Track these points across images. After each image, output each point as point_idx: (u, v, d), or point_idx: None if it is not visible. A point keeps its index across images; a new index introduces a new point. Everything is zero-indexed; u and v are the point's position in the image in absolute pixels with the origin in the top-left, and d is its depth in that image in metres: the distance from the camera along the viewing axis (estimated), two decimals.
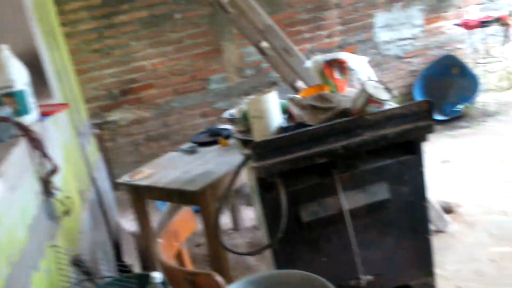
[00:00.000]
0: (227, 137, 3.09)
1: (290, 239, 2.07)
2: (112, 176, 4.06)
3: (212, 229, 2.53)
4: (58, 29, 3.56)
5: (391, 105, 2.10)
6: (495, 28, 5.47)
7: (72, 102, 3.13)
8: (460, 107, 5.18)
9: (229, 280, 2.26)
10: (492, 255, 2.84)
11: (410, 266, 2.28)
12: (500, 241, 2.95)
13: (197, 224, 2.18)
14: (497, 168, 3.92)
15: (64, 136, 2.58)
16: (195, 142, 3.21)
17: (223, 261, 2.71)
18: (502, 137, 4.56)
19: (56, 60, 2.95)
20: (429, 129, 2.04)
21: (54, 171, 1.90)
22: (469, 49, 5.52)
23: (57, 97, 2.62)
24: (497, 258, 2.80)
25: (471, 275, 2.70)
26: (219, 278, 1.46)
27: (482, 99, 5.34)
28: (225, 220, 3.66)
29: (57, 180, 1.95)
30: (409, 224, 2.21)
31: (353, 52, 2.87)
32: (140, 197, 2.93)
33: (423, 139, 2.08)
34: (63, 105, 2.58)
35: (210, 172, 2.70)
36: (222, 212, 2.14)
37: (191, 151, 3.10)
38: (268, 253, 2.19)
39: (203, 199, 2.57)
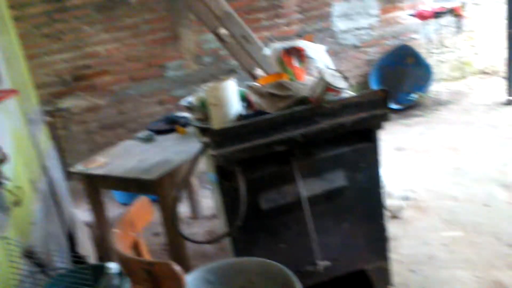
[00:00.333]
0: (185, 125, 3.05)
1: (249, 227, 2.07)
2: (65, 165, 3.94)
3: (170, 218, 2.50)
4: (7, 11, 3.40)
5: (348, 93, 2.12)
6: (448, 19, 5.63)
7: (22, 89, 3.00)
8: (414, 96, 5.32)
9: (188, 269, 2.25)
10: (444, 239, 2.94)
11: (365, 251, 2.32)
12: (451, 225, 3.06)
13: (155, 213, 2.14)
14: (449, 155, 4.05)
15: (14, 124, 2.48)
16: (152, 130, 3.15)
17: (181, 250, 2.69)
18: (453, 125, 4.72)
19: (5, 44, 2.82)
20: (385, 117, 2.08)
21: (2, 160, 1.82)
22: (423, 39, 5.66)
23: (6, 83, 2.51)
24: (448, 242, 2.90)
25: (424, 259, 2.78)
26: (176, 267, 1.44)
27: (435, 89, 5.50)
28: (184, 208, 3.63)
29: (6, 169, 1.87)
30: (365, 210, 2.25)
31: (311, 41, 2.87)
32: (95, 186, 2.85)
33: (379, 127, 2.11)
34: (12, 92, 2.47)
35: (168, 161, 2.66)
36: (180, 200, 2.11)
37: (148, 139, 3.04)
38: (227, 241, 2.19)
39: (161, 188, 2.53)
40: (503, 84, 5.15)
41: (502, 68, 5.21)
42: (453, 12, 5.66)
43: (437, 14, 5.67)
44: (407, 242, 2.94)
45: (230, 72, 4.83)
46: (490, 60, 5.80)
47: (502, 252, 2.73)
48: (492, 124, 4.61)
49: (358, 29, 5.41)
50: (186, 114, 3.03)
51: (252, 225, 2.08)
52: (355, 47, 5.43)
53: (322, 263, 2.18)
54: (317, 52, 2.55)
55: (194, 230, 3.47)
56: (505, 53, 5.08)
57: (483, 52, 5.89)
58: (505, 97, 5.10)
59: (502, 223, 3.00)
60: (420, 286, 2.56)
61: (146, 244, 1.96)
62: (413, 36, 5.61)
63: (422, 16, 5.64)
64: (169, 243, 2.72)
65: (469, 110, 5.09)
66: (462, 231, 2.99)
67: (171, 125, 3.14)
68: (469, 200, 3.32)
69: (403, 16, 5.55)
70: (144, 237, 1.95)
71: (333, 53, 5.09)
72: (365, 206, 2.25)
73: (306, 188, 2.07)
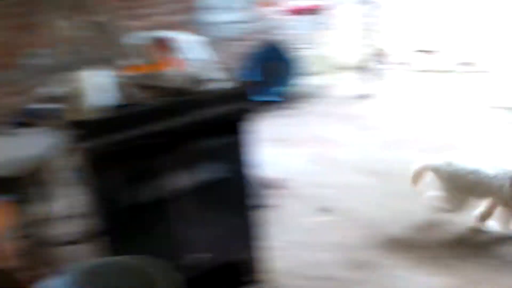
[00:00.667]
0: (47, 117, 2.84)
1: (122, 223, 1.99)
2: None
3: (30, 219, 2.31)
4: None
5: (219, 86, 2.13)
6: (316, 16, 5.94)
7: None
8: (285, 89, 5.53)
9: (53, 273, 2.10)
10: (313, 224, 3.11)
11: (240, 241, 2.36)
12: (321, 211, 3.24)
13: (14, 214, 1.96)
14: (317, 145, 4.29)
15: None
16: (10, 123, 2.89)
17: (44, 253, 2.50)
18: (320, 117, 5.01)
19: None
20: (253, 110, 2.12)
21: None
22: (293, 34, 5.90)
23: None
24: (317, 227, 3.07)
25: (294, 244, 2.91)
26: (17, 274, 1.33)
27: (304, 82, 5.77)
28: (51, 207, 3.37)
29: None
30: (238, 201, 2.29)
31: (185, 32, 2.84)
32: None
33: (248, 119, 2.15)
34: None
35: (27, 156, 2.45)
36: (44, 199, 1.96)
37: (5, 133, 2.78)
38: (98, 240, 2.08)
39: (18, 186, 2.31)
40: (364, 78, 5.59)
41: (362, 63, 5.64)
42: (321, 9, 5.99)
43: (306, 11, 5.95)
44: (279, 229, 3.04)
45: (98, 61, 4.59)
46: (353, 55, 6.23)
47: (362, 233, 2.97)
48: (354, 115, 4.98)
49: (232, 22, 5.47)
50: (49, 106, 2.82)
51: (124, 221, 2.01)
52: (229, 40, 5.48)
53: (196, 256, 2.18)
54: (190, 43, 2.53)
55: (63, 230, 3.25)
56: (364, 50, 5.52)
57: (347, 48, 6.30)
58: (364, 90, 5.54)
59: (362, 207, 3.25)
60: (289, 270, 2.66)
61: (4, 249, 1.79)
62: (284, 31, 5.82)
63: (292, 12, 5.88)
64: (30, 246, 2.52)
65: (334, 102, 5.45)
66: (329, 216, 3.19)
67: (32, 118, 2.91)
68: (336, 187, 3.54)
69: (275, 12, 5.73)
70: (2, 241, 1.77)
71: (206, 45, 5.10)
72: (238, 197, 2.28)
73: (179, 181, 2.04)
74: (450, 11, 7.18)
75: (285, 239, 2.97)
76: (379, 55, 5.61)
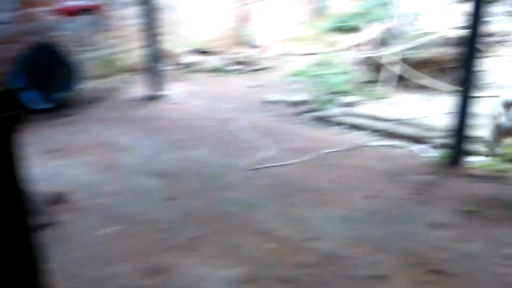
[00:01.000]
0: None
1: None
2: None
3: None
4: None
5: None
6: (94, 17, 5.70)
7: None
8: (65, 94, 5.16)
9: None
10: (104, 236, 2.94)
11: (16, 269, 2.10)
12: (110, 221, 3.09)
13: None
14: (102, 152, 4.10)
15: None
16: None
17: None
18: (106, 122, 4.83)
19: None
20: (26, 118, 1.90)
21: None
22: (69, 36, 5.55)
23: None
24: (108, 239, 2.92)
25: (87, 261, 2.71)
26: None
27: (86, 86, 5.47)
28: None
29: None
30: (10, 224, 2.02)
31: None
32: None
33: (20, 129, 1.92)
34: None
35: None
36: None
37: None
38: None
39: None
40: (149, 79, 5.56)
41: (146, 65, 5.60)
42: (97, 9, 5.76)
43: (81, 11, 5.66)
44: (67, 247, 2.81)
45: None
46: (137, 57, 6.14)
47: (155, 238, 2.92)
48: (140, 118, 4.93)
49: None
50: None
51: None
52: None
53: None
54: None
55: None
56: (147, 51, 5.49)
57: (130, 49, 6.18)
58: (150, 92, 5.52)
59: (153, 210, 3.22)
60: None
61: None
62: (58, 32, 5.43)
63: (65, 13, 5.53)
64: None
65: (120, 106, 5.30)
66: (120, 225, 3.06)
67: None
68: (124, 194, 3.44)
69: (46, 12, 5.30)
70: None
71: None
72: (10, 220, 2.02)
73: None
74: (228, 13, 7.68)
75: (75, 256, 2.76)
76: (162, 57, 5.64)
